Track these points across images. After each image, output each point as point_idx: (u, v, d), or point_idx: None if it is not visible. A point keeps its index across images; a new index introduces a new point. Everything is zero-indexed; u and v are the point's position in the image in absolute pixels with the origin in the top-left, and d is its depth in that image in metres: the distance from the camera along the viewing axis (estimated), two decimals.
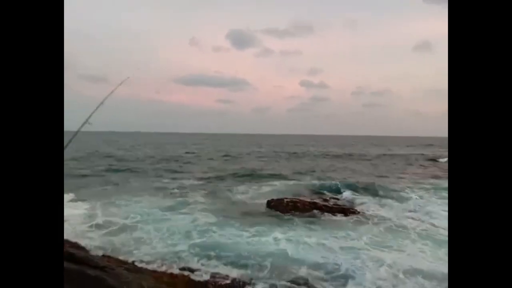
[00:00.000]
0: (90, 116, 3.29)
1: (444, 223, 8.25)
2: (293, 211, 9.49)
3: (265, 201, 10.42)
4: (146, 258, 6.48)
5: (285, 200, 10.11)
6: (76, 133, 3.28)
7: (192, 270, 6.33)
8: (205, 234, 7.58)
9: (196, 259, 6.53)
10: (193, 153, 34.49)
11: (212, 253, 6.55)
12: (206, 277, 6.09)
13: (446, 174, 17.51)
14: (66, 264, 4.76)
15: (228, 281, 5.79)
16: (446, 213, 9.16)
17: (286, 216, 9.13)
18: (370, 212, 9.60)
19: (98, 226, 8.08)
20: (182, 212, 9.42)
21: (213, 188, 13.39)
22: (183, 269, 6.54)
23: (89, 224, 8.21)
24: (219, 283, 5.95)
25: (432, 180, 16.05)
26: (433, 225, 8.29)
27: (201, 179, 15.96)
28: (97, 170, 18.68)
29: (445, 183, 14.42)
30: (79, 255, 5.32)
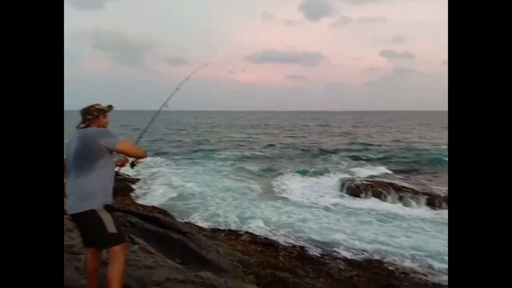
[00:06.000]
0: (168, 99, 3.40)
1: None
2: None
3: None
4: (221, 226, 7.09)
5: None
6: (157, 113, 3.42)
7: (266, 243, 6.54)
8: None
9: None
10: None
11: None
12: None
13: None
14: (154, 228, 5.35)
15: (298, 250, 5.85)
16: None
17: None
18: None
19: None
20: None
21: None
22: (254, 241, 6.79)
23: None
24: (291, 255, 6.04)
25: None
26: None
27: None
28: None
29: None
30: (164, 220, 5.93)
